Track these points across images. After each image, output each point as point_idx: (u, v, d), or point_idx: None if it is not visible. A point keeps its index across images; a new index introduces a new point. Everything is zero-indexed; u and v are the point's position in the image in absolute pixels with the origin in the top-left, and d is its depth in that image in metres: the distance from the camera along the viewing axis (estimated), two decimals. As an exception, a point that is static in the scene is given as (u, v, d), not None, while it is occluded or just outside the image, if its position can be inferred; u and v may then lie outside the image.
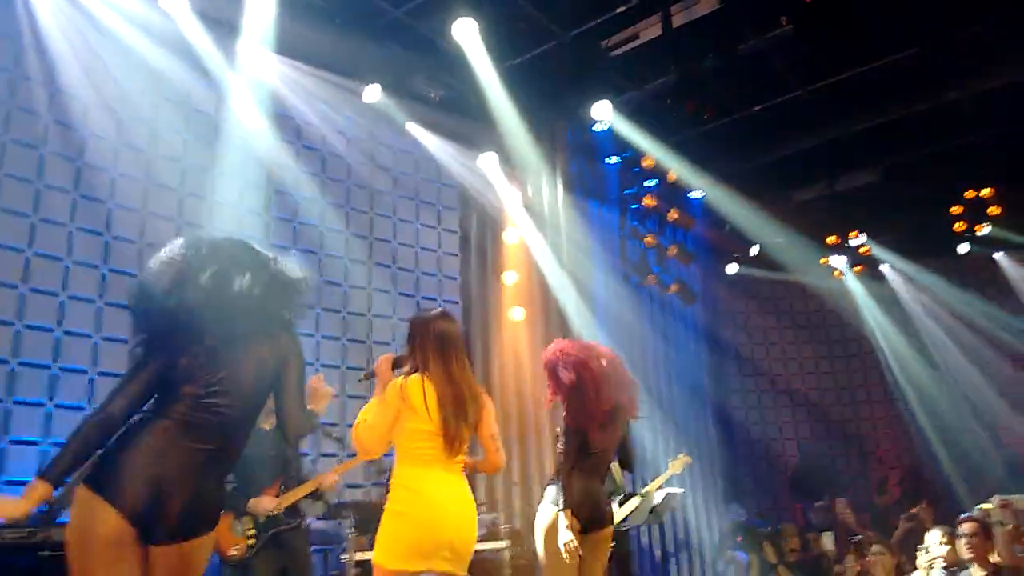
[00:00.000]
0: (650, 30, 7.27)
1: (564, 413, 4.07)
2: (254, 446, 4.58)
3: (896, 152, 9.07)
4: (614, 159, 9.01)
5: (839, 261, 10.93)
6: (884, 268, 11.29)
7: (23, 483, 4.95)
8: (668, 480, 5.97)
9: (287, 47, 6.38)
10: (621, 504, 5.64)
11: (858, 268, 11.05)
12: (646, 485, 6.08)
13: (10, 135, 5.49)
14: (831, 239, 10.56)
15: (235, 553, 4.47)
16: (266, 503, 4.55)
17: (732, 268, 11.23)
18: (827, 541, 8.96)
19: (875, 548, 6.93)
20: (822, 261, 10.87)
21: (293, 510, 4.71)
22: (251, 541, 4.51)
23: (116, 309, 5.77)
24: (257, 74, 6.47)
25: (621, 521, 5.57)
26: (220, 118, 6.48)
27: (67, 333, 5.56)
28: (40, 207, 5.59)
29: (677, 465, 5.95)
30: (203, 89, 6.33)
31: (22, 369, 5.30)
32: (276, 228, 6.92)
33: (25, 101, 5.55)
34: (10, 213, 5.43)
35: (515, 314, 8.08)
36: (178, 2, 5.70)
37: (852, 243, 10.50)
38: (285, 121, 6.99)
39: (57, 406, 5.40)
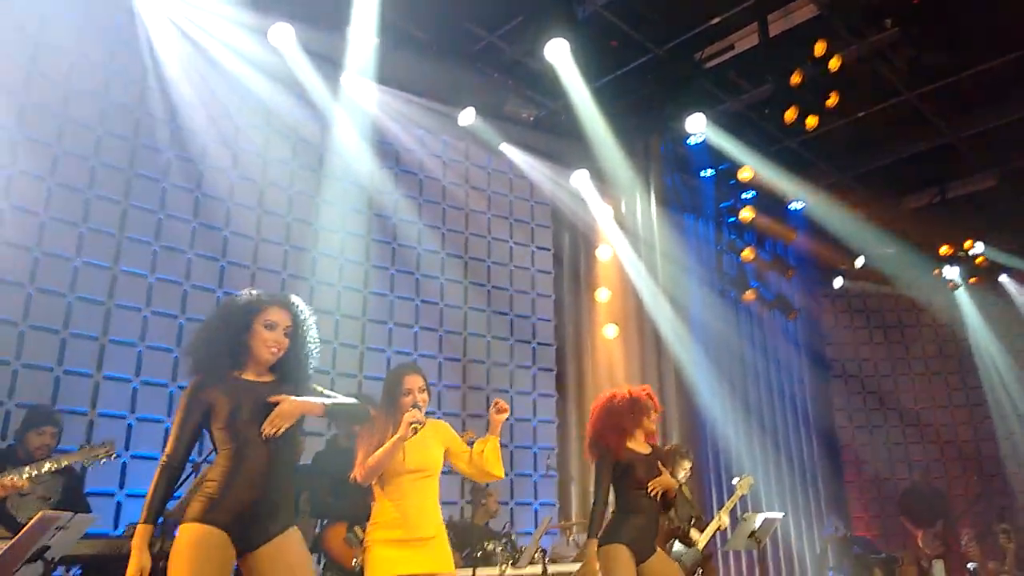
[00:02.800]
0: (746, 40, 7.15)
1: None
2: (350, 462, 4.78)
3: (1014, 156, 8.55)
4: (709, 172, 8.86)
5: (953, 272, 10.35)
6: (1003, 279, 10.62)
7: (145, 496, 5.37)
8: (740, 500, 5.82)
9: (386, 77, 6.63)
10: (701, 530, 5.55)
11: (974, 279, 10.43)
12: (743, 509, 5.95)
13: (135, 169, 5.94)
14: (944, 249, 10.02)
15: (358, 562, 4.47)
16: None
17: (838, 282, 10.81)
18: (938, 570, 8.46)
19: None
20: (935, 273, 10.32)
21: None
22: None
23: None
24: (359, 104, 6.75)
25: (705, 545, 5.49)
26: (325, 147, 6.81)
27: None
28: (162, 235, 6.01)
29: (744, 486, 5.78)
30: (309, 120, 6.67)
31: (144, 387, 5.69)
32: (376, 250, 7.18)
33: (149, 138, 6.00)
34: (135, 241, 5.86)
35: (608, 331, 8.05)
36: (287, 40, 6.02)
37: (968, 252, 9.93)
38: (385, 147, 7.26)
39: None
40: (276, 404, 2.75)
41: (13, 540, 3.41)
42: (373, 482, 3.39)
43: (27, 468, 3.73)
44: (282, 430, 2.71)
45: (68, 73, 5.64)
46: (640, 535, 3.96)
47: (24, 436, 4.31)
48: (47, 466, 3.83)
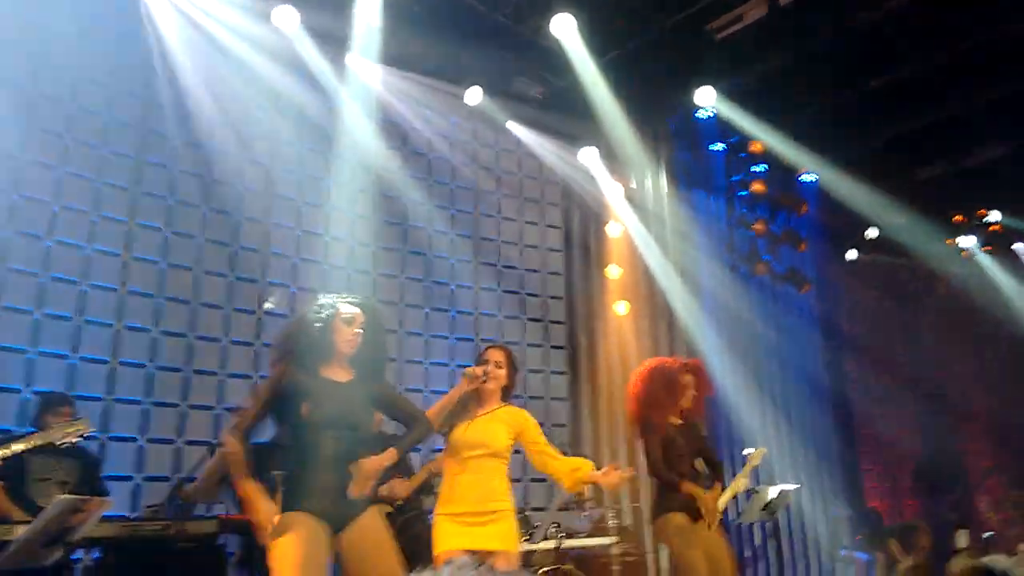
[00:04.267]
0: (755, 10, 7.03)
1: None
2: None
3: (1027, 125, 8.40)
4: (719, 146, 8.78)
5: (967, 241, 10.24)
6: (1018, 247, 10.48)
7: (162, 479, 5.47)
8: (753, 473, 5.81)
9: (392, 57, 6.59)
10: None
11: (988, 248, 10.31)
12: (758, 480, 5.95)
13: (144, 156, 5.97)
14: (958, 218, 9.91)
15: None
16: (399, 487, 4.73)
17: (852, 254, 10.72)
18: (962, 539, 8.46)
19: (1022, 547, 6.51)
20: (948, 242, 10.21)
21: (414, 498, 4.90)
22: None
23: (242, 315, 6.17)
24: (365, 85, 6.72)
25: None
26: (332, 129, 6.76)
27: (199, 338, 5.99)
28: (173, 221, 6.05)
29: (756, 458, 5.75)
30: (316, 102, 6.61)
31: (159, 372, 5.76)
32: (385, 232, 7.19)
33: (157, 124, 6.00)
34: (147, 228, 5.90)
35: (620, 308, 8.05)
36: (291, 21, 6.00)
37: (983, 221, 9.82)
38: (392, 128, 7.22)
39: (191, 407, 5.84)
40: (351, 412, 3.02)
41: (33, 523, 3.48)
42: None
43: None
44: (368, 490, 3.01)
45: (75, 62, 5.62)
46: (686, 503, 4.09)
47: (42, 419, 4.36)
48: (20, 446, 3.90)
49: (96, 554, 4.43)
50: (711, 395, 4.59)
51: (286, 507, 2.84)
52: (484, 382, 3.52)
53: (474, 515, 3.38)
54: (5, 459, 3.85)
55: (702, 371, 4.44)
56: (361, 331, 3.10)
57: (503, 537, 3.41)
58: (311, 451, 2.93)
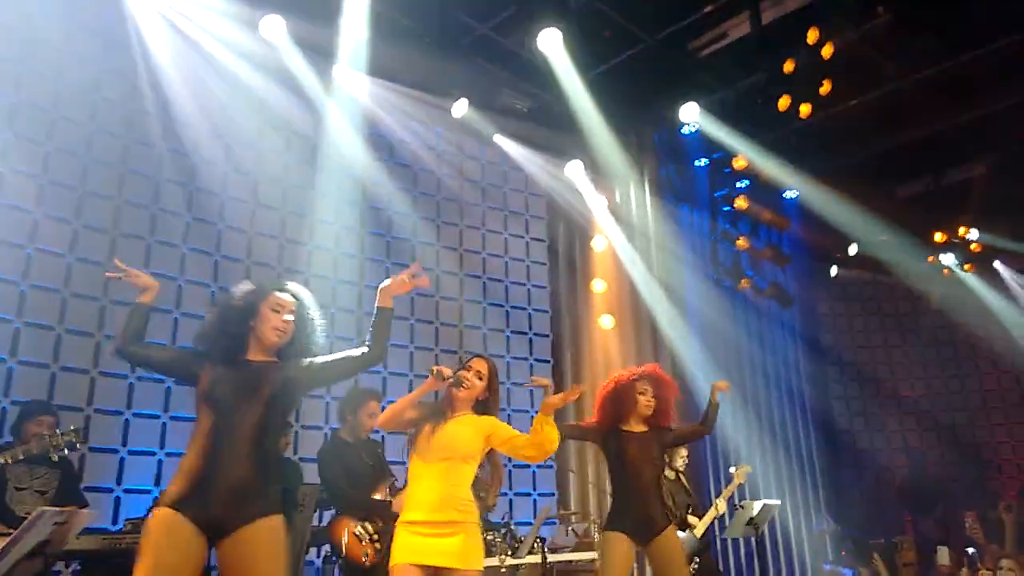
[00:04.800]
0: (739, 28, 7.14)
1: None
2: (355, 454, 4.78)
3: (1006, 143, 8.56)
4: (703, 161, 8.86)
5: (948, 259, 10.37)
6: (997, 265, 10.63)
7: (143, 491, 5.39)
8: (738, 489, 5.83)
9: (379, 68, 6.60)
10: (699, 517, 5.57)
11: (968, 267, 10.44)
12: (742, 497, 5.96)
13: (128, 165, 5.92)
14: (939, 236, 10.03)
15: (368, 559, 4.43)
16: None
17: (834, 270, 10.82)
18: (943, 556, 8.49)
19: (1005, 563, 6.50)
20: (930, 259, 10.33)
21: None
22: (378, 545, 4.51)
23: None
24: (351, 96, 6.72)
25: (703, 534, 5.51)
26: (318, 140, 6.75)
27: (181, 349, 5.90)
28: (156, 230, 5.99)
29: (741, 474, 5.78)
30: (302, 113, 6.61)
31: (140, 383, 5.68)
32: (370, 243, 7.16)
33: (142, 133, 5.96)
34: (130, 237, 5.84)
35: (605, 322, 8.06)
36: (278, 32, 5.99)
37: (963, 239, 9.94)
38: (378, 140, 7.22)
39: (172, 418, 5.76)
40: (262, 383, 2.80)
41: (12, 536, 3.41)
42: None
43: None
44: None
45: (58, 70, 5.59)
46: (640, 519, 4.02)
47: (22, 428, 4.28)
48: (5, 456, 3.81)
49: (76, 567, 4.34)
50: (676, 397, 4.47)
51: (168, 502, 2.59)
52: (453, 384, 3.37)
53: (430, 525, 3.15)
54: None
55: (656, 377, 4.33)
56: (291, 319, 2.87)
57: (462, 554, 3.14)
58: (207, 438, 2.65)
